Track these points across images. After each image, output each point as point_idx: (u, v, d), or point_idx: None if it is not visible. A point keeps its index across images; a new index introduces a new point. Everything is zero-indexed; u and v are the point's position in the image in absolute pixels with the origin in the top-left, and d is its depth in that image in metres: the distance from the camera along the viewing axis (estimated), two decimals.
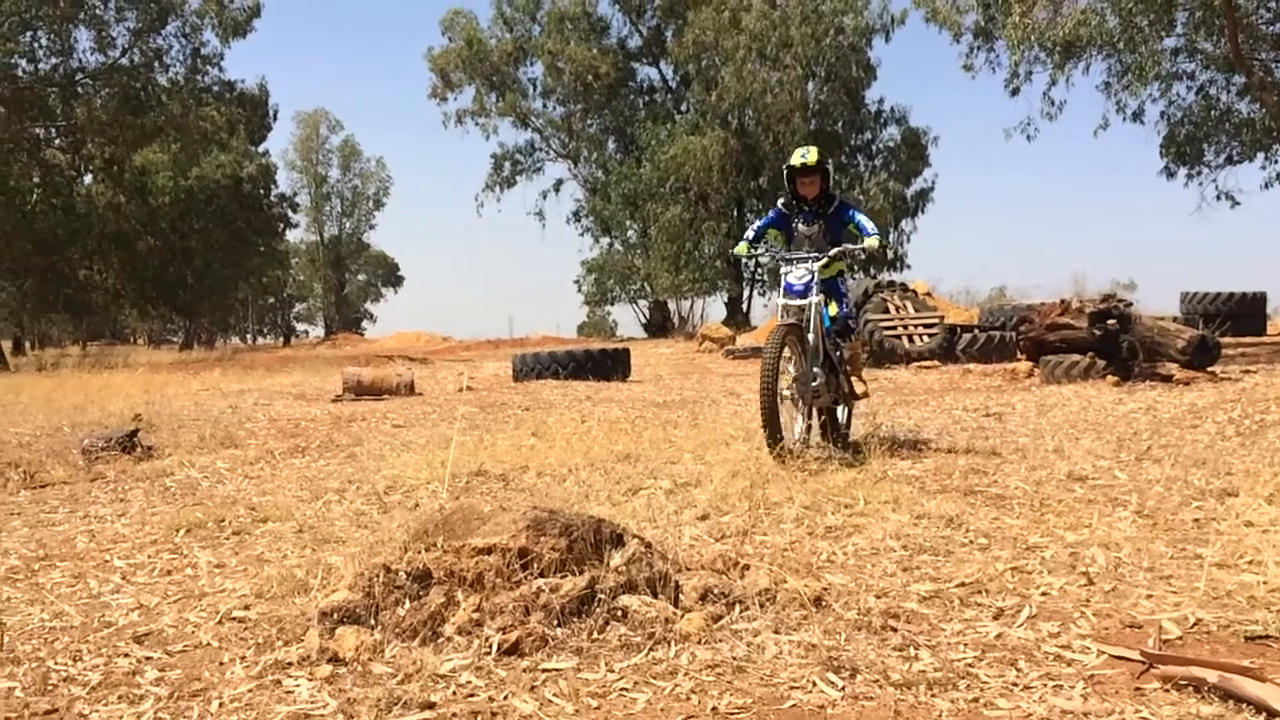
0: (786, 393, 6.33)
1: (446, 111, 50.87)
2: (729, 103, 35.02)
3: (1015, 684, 2.79)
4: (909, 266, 37.82)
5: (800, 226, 6.80)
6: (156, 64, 31.58)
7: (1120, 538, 4.32)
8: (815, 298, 6.40)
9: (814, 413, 6.76)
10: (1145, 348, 11.82)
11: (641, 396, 12.23)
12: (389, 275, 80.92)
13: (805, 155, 6.76)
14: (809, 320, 6.41)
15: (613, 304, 42.54)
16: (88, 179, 35.31)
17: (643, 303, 40.41)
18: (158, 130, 31.39)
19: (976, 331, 17.00)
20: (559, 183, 43.17)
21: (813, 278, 6.42)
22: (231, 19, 32.20)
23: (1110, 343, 11.84)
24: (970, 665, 2.93)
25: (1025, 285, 68.97)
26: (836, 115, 36.65)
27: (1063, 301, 13.01)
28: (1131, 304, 13.02)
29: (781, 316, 6.44)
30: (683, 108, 38.97)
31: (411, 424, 10.00)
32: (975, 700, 2.70)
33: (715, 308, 38.66)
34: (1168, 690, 2.71)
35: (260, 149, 46.64)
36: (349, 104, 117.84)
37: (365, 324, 78.00)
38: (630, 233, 39.29)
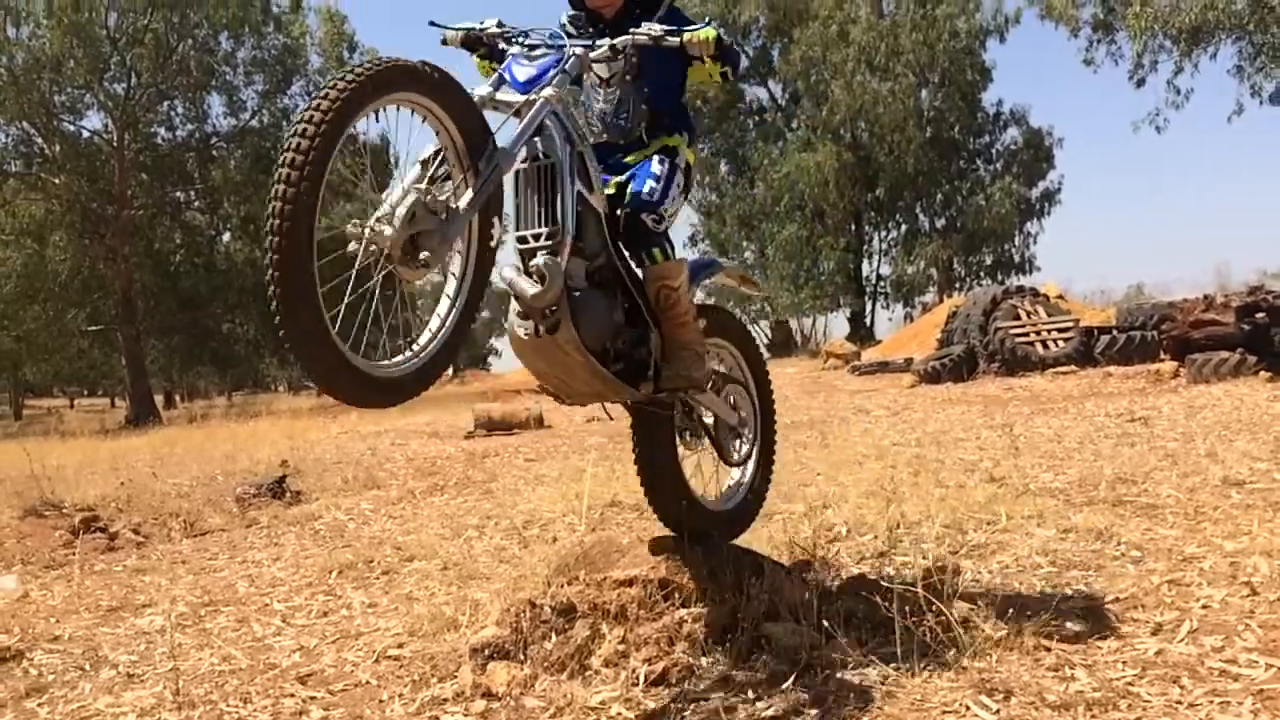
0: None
1: None
2: (840, 116, 34.75)
3: (1179, 702, 2.69)
4: (1038, 269, 36.83)
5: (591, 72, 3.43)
6: (284, 123, 33.15)
7: None
8: (553, 91, 3.03)
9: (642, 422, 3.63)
10: None
11: None
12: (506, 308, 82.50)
13: None
14: (538, 139, 3.03)
15: None
16: (226, 237, 37.17)
17: (764, 323, 40.24)
18: None
19: (1115, 333, 16.37)
20: None
21: (562, 66, 3.12)
22: None
23: (1260, 337, 11.27)
24: (1130, 684, 2.84)
25: (1164, 281, 66.29)
26: (953, 120, 36.01)
27: (1206, 297, 12.46)
28: None
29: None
30: (793, 125, 38.80)
31: (543, 457, 10.18)
32: None
33: (838, 324, 38.27)
34: None
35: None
36: None
37: (491, 359, 79.74)
38: (747, 253, 39.21)
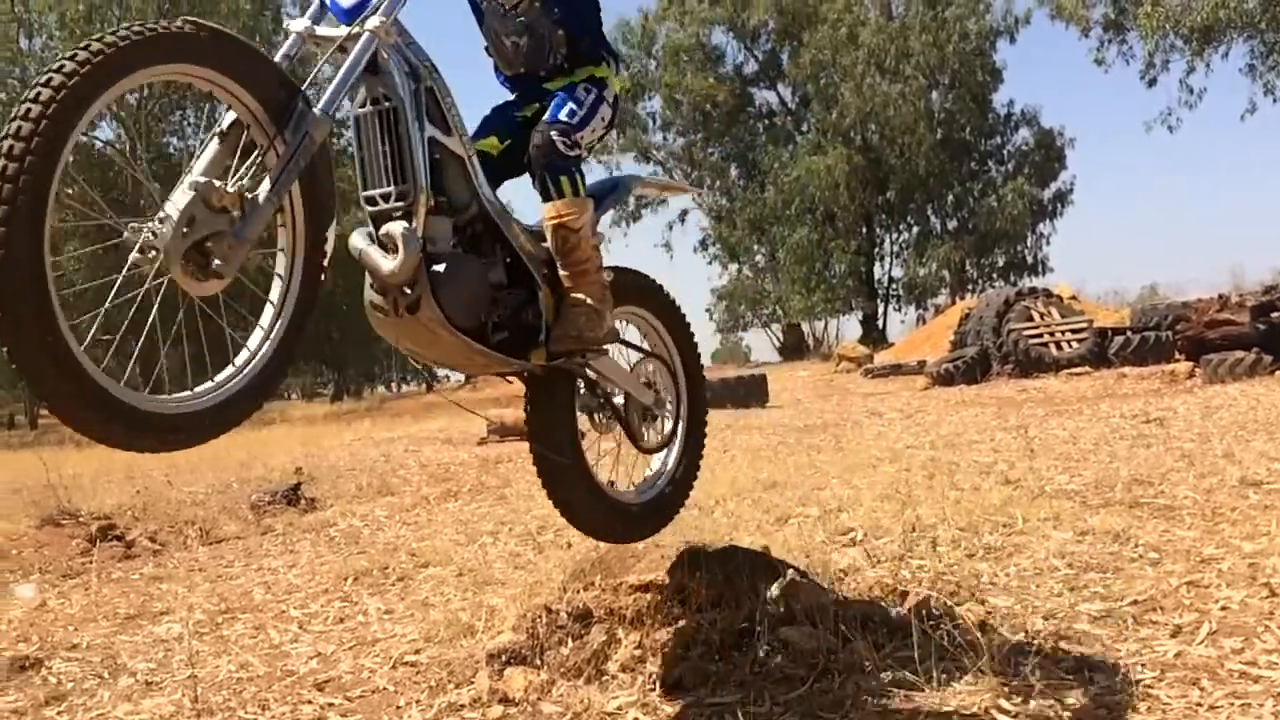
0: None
1: None
2: (851, 119, 34.74)
3: (1199, 704, 2.68)
4: (1051, 270, 36.71)
5: None
6: None
7: None
8: (379, 20, 2.51)
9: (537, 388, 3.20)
10: None
11: (782, 422, 12.16)
12: None
13: None
14: (376, 78, 2.61)
15: (745, 330, 42.51)
16: None
17: (776, 327, 40.23)
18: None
19: (1129, 333, 16.31)
20: (684, 213, 43.47)
21: None
22: None
23: (1276, 337, 11.22)
24: (1150, 686, 2.83)
25: (1179, 281, 65.94)
26: (964, 122, 35.97)
27: (1221, 296, 12.41)
28: None
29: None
30: (803, 128, 38.80)
31: None
32: None
33: (850, 327, 38.22)
34: None
35: None
36: None
37: None
38: (758, 257, 39.25)
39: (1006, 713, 2.72)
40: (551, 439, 3.14)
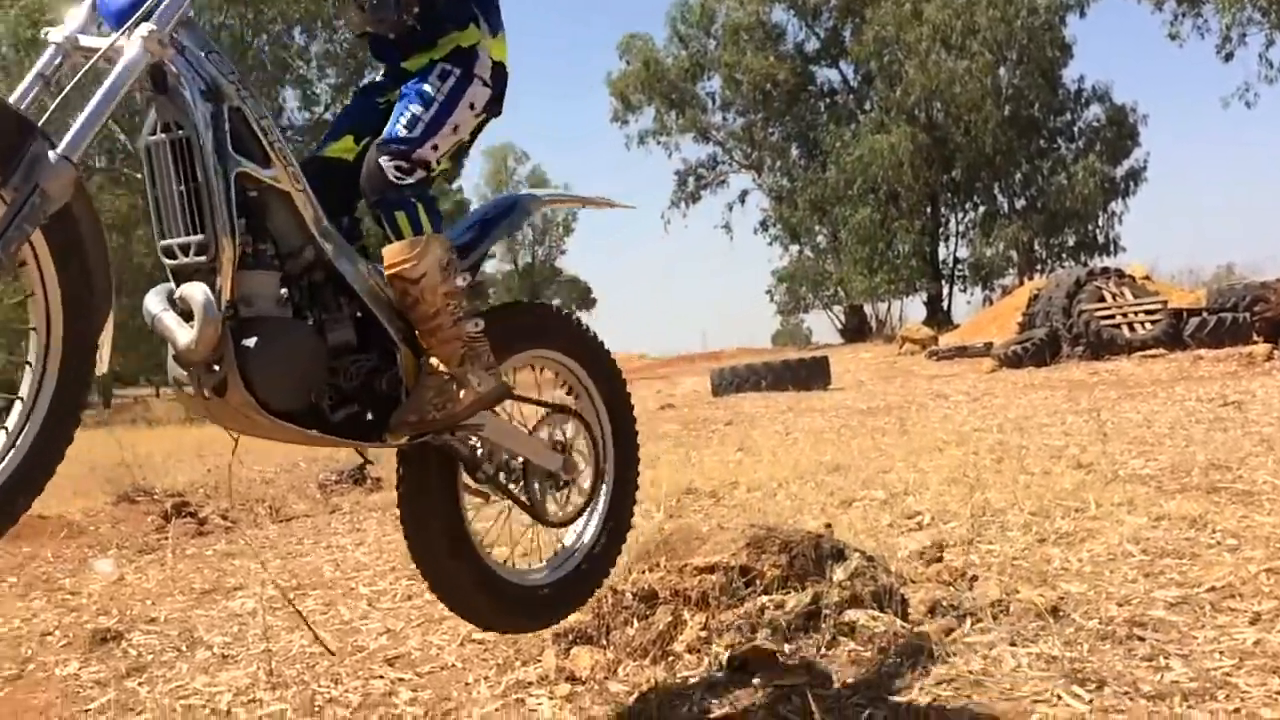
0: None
1: (629, 134, 51.62)
2: (915, 96, 34.23)
3: (1279, 693, 2.61)
4: (1123, 250, 35.90)
5: None
6: None
7: None
8: (153, 27, 2.00)
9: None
10: None
11: (844, 404, 12.07)
12: (582, 298, 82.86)
13: None
14: (166, 98, 2.10)
15: (806, 312, 42.19)
16: None
17: (837, 308, 39.87)
18: None
19: (1205, 314, 15.88)
20: (744, 194, 43.17)
21: None
22: None
23: None
24: (1228, 674, 2.76)
25: (1255, 260, 63.98)
26: (1032, 98, 35.27)
27: None
28: None
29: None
30: (866, 107, 38.30)
31: None
32: (1236, 711, 2.54)
33: (914, 308, 37.76)
34: None
35: (455, 185, 48.86)
36: (534, 134, 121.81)
37: None
38: (820, 238, 38.87)
39: (1080, 698, 2.67)
40: (426, 535, 2.58)
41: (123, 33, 1.98)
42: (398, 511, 2.61)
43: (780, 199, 40.27)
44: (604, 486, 2.95)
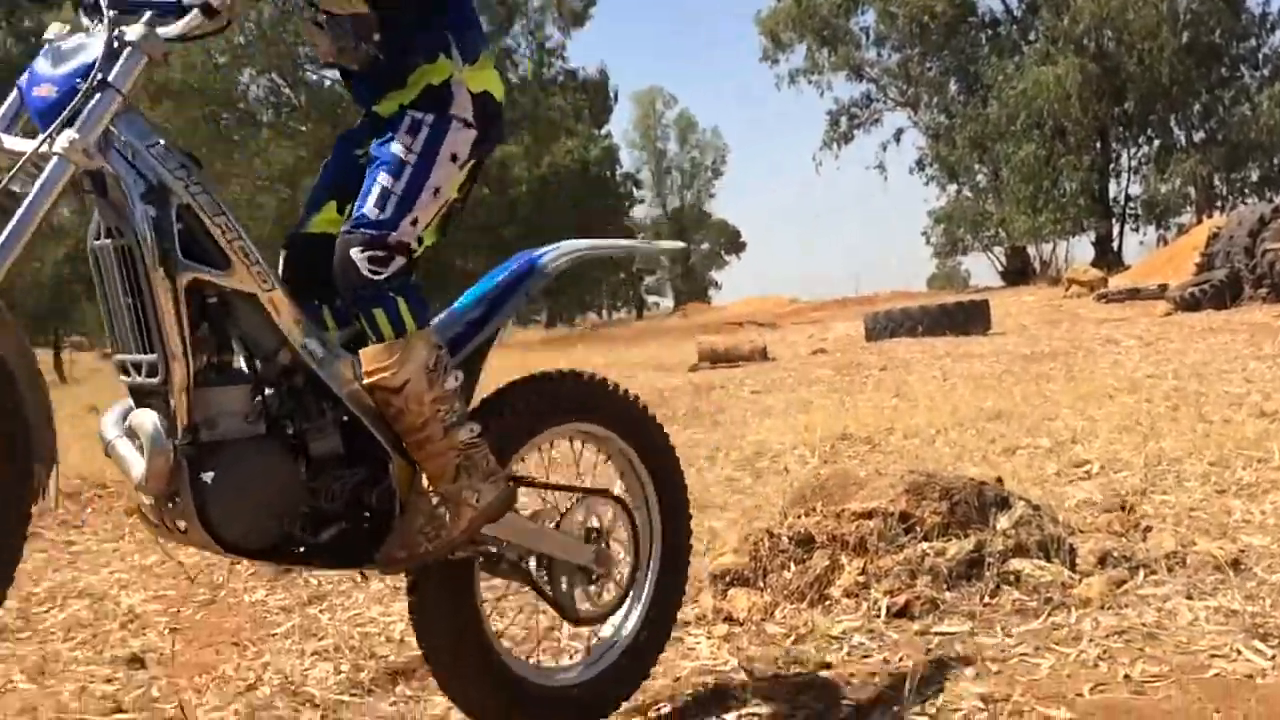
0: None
1: (779, 73, 50.57)
2: (1084, 25, 32.33)
3: None
4: None
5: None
6: (507, 63, 34.32)
7: None
8: (75, 137, 1.79)
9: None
10: None
11: (1006, 349, 11.67)
12: (732, 242, 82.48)
13: None
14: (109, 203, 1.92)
15: (964, 254, 40.84)
16: None
17: (998, 250, 38.39)
18: (513, 125, 34.22)
19: None
20: (899, 132, 41.78)
21: (95, 78, 1.84)
22: (571, 10, 34.30)
23: None
24: None
25: None
26: (1212, 24, 32.83)
27: None
28: None
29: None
30: (1030, 37, 36.41)
31: (769, 389, 10.17)
32: None
33: (1081, 249, 36.03)
34: None
35: (603, 131, 49.12)
36: (682, 78, 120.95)
37: (712, 292, 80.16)
38: (979, 177, 37.43)
39: (1261, 654, 2.55)
40: (436, 633, 2.30)
41: (44, 140, 1.80)
42: (408, 599, 2.32)
43: (937, 137, 38.87)
44: (647, 574, 2.59)
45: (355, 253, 2.05)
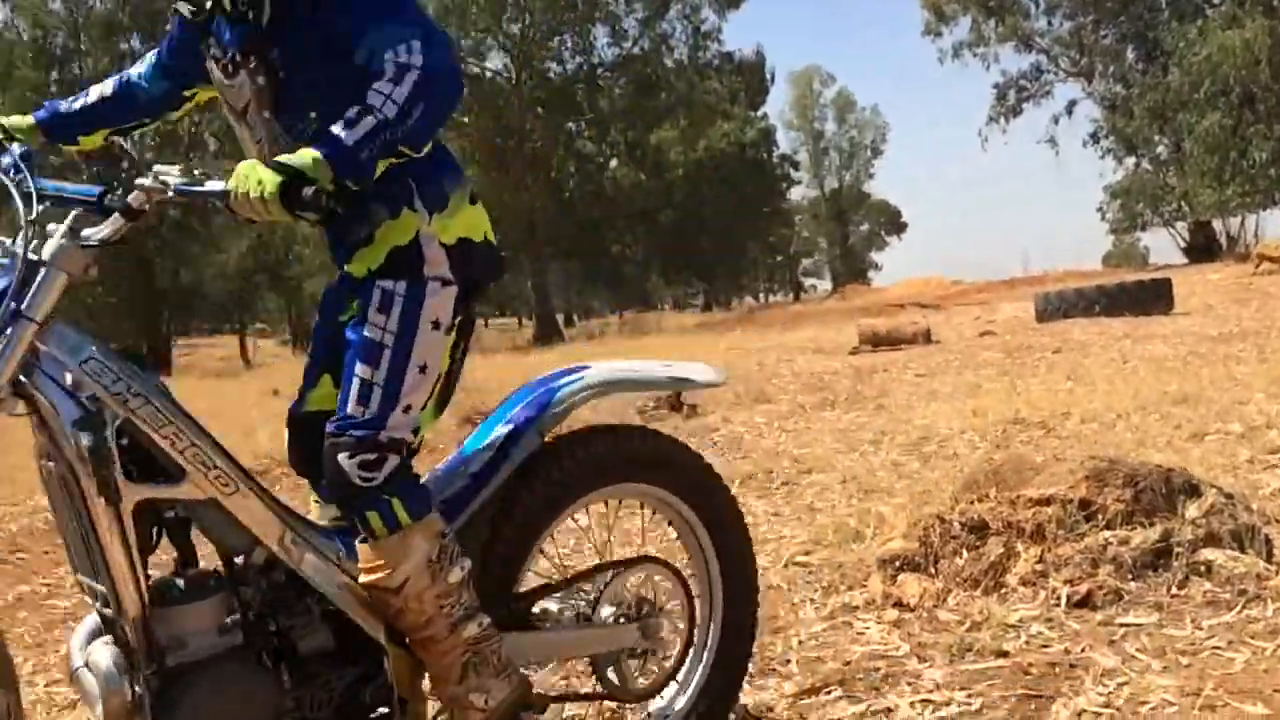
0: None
1: (942, 47, 48.96)
2: None
3: None
4: None
5: (216, 71, 2.00)
6: (664, 48, 34.61)
7: None
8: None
9: None
10: None
11: (1190, 330, 11.04)
12: (892, 223, 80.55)
13: None
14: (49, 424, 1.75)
15: (1144, 230, 38.75)
16: (613, 163, 39.48)
17: (1180, 225, 36.31)
18: (669, 109, 34.61)
19: None
20: (1071, 104, 39.86)
21: (8, 307, 1.69)
22: None
23: None
24: None
25: None
26: None
27: None
28: None
29: None
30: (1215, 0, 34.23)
31: (934, 373, 9.92)
32: None
33: (1272, 223, 33.76)
34: None
35: (759, 113, 48.75)
36: (839, 56, 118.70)
37: (871, 274, 78.49)
38: (1160, 149, 35.44)
39: None
40: None
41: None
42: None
43: (1114, 108, 36.95)
44: (704, 649, 2.33)
45: (344, 459, 1.86)
